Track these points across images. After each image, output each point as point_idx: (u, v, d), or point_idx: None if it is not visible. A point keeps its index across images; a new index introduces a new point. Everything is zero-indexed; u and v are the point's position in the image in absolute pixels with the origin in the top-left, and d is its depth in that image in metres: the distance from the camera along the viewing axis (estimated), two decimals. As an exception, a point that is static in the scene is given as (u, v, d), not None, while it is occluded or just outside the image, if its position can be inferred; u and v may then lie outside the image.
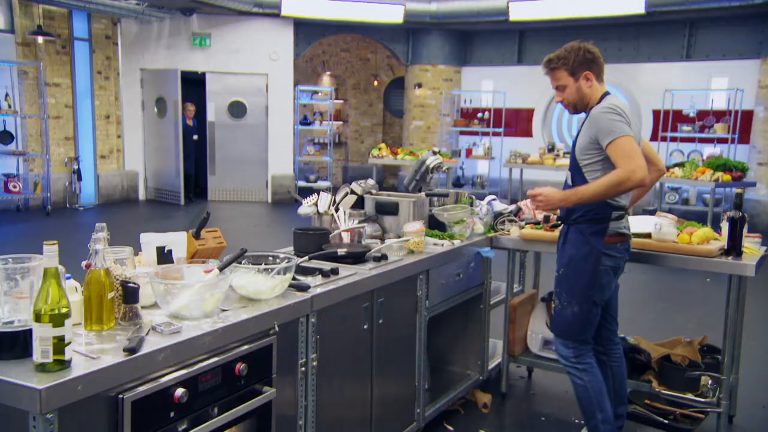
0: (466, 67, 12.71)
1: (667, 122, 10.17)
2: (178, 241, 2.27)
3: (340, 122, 14.63)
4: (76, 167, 10.36)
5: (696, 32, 10.40)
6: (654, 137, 10.64)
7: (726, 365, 3.09)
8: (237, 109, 11.66)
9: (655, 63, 10.77)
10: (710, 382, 3.14)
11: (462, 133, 12.88)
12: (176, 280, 2.02)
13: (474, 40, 12.56)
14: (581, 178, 2.81)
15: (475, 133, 12.58)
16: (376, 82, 14.95)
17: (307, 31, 11.90)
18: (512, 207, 3.90)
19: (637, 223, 3.33)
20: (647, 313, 5.43)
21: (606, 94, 2.88)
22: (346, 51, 14.75)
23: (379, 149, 10.97)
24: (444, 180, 10.99)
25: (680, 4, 9.52)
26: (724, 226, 3.15)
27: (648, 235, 3.25)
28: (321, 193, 3.33)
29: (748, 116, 9.81)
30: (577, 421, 3.47)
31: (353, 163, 15.03)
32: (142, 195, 11.67)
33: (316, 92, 13.01)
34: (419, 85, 12.68)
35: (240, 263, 2.21)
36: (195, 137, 10.92)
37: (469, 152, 12.44)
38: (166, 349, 1.74)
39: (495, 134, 12.19)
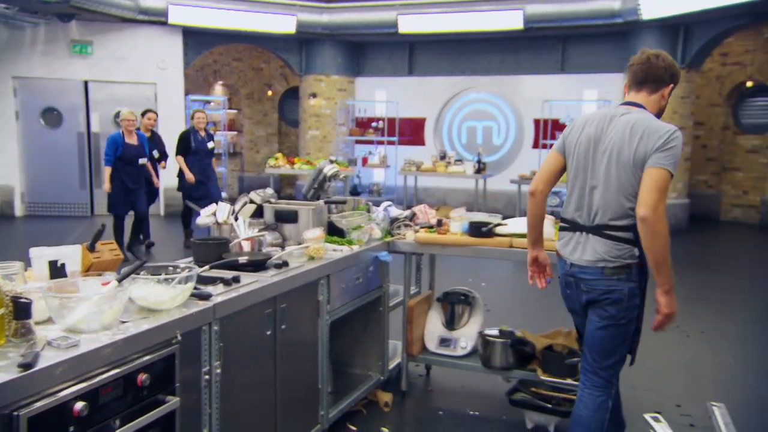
0: (359, 78, 12.96)
1: (546, 131, 10.91)
2: (71, 254, 2.22)
3: (235, 132, 14.39)
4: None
5: (569, 47, 11.27)
6: (535, 145, 11.39)
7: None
8: (124, 119, 11.17)
9: (534, 75, 11.54)
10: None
11: (358, 142, 13.10)
12: (72, 294, 1.98)
13: (367, 51, 12.84)
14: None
15: (371, 142, 12.83)
16: (270, 92, 14.86)
17: (196, 40, 11.65)
18: (407, 212, 4.08)
19: (517, 224, 3.61)
20: (535, 307, 5.82)
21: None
22: (239, 60, 14.55)
23: (276, 159, 10.93)
24: (341, 188, 11.13)
25: (554, 21, 10.28)
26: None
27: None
28: (220, 202, 3.34)
29: (616, 125, 10.72)
30: (471, 412, 3.68)
31: (249, 173, 14.83)
32: (18, 211, 10.88)
33: (208, 102, 12.73)
34: (314, 95, 12.77)
35: (139, 275, 2.19)
36: (210, 145, 8.30)
37: (365, 161, 12.67)
38: (63, 363, 1.72)
39: (390, 143, 12.50)
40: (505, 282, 7.09)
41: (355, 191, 12.22)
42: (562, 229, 2.74)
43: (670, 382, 4.15)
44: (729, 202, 11.43)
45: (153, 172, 7.89)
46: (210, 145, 8.29)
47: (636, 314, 2.57)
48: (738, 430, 2.66)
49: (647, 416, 1.12)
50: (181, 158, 8.03)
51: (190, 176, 7.93)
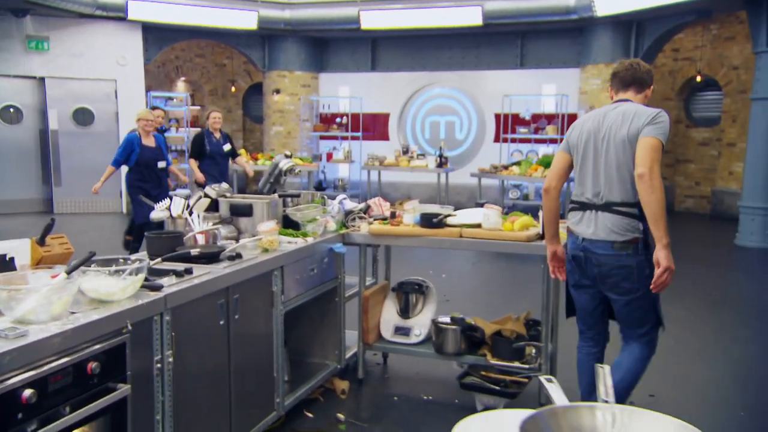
0: (323, 74, 12.99)
1: (507, 125, 11.13)
2: (20, 248, 2.26)
3: (198, 129, 14.27)
4: None
5: (527, 43, 11.50)
6: (496, 139, 11.60)
7: (545, 335, 3.58)
8: (83, 116, 11.04)
9: (494, 70, 11.75)
10: (534, 351, 3.62)
11: (322, 137, 13.15)
12: (21, 286, 2.03)
13: (329, 47, 12.88)
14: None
15: (335, 138, 12.89)
16: (233, 88, 14.79)
17: (157, 35, 11.54)
18: (362, 205, 4.18)
19: (468, 215, 3.74)
20: (490, 296, 5.99)
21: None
22: (201, 56, 14.44)
23: (239, 155, 10.90)
24: (306, 184, 11.18)
25: (512, 17, 10.49)
26: (540, 214, 3.64)
27: (479, 225, 3.66)
28: (174, 197, 3.39)
29: (573, 119, 10.98)
30: (425, 397, 3.81)
31: (213, 170, 14.73)
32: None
33: (170, 98, 12.63)
34: (277, 91, 12.76)
35: (90, 267, 2.25)
36: (227, 147, 7.54)
37: (329, 156, 12.73)
38: (12, 352, 1.77)
39: (354, 138, 12.58)
40: (465, 274, 7.25)
41: (320, 186, 12.28)
42: (572, 209, 3.03)
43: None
44: (682, 193, 11.83)
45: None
46: (226, 147, 7.53)
47: (648, 284, 2.81)
48: (670, 411, 2.83)
49: (541, 378, 1.24)
50: (193, 161, 7.30)
51: (200, 176, 7.17)
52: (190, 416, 2.58)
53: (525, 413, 1.04)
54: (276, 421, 3.30)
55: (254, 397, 3.08)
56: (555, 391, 1.18)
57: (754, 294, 6.52)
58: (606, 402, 1.07)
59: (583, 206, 2.96)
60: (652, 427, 0.99)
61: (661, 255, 2.71)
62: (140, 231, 6.19)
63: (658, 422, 0.99)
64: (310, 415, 3.54)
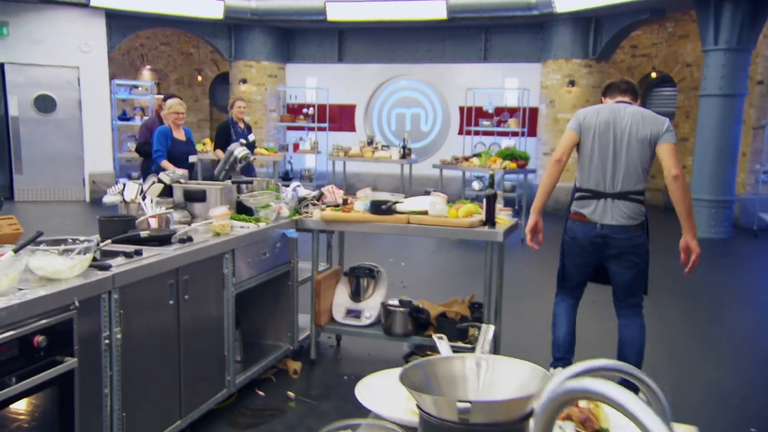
0: (290, 64, 13.03)
1: (470, 117, 11.34)
2: (-30, 228, 2.35)
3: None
4: None
5: (491, 37, 11.71)
6: (461, 131, 11.81)
7: (487, 316, 3.77)
8: (45, 104, 10.90)
9: (459, 64, 11.93)
10: (477, 331, 3.80)
11: (289, 128, 13.20)
12: (-31, 263, 2.12)
13: (296, 37, 12.92)
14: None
15: (302, 128, 12.95)
16: (200, 77, 14.72)
17: (121, 23, 11.44)
18: (315, 192, 4.32)
19: (416, 202, 3.91)
20: (445, 282, 6.18)
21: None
22: (167, 45, 14.34)
23: (204, 144, 10.91)
24: (271, 174, 11.23)
25: (475, 11, 10.68)
26: (484, 202, 3.82)
27: (426, 212, 3.83)
28: (127, 182, 3.48)
29: (534, 112, 11.28)
30: (375, 376, 3.98)
31: (179, 159, 14.67)
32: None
33: (135, 87, 12.54)
34: (244, 81, 12.77)
35: (39, 247, 2.34)
36: (252, 137, 7.25)
37: (296, 147, 12.78)
38: (-41, 324, 1.88)
39: (320, 129, 12.67)
40: (424, 262, 7.44)
41: (286, 177, 12.34)
42: (581, 198, 3.44)
43: (544, 339, 4.56)
44: (639, 185, 12.19)
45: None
46: (251, 137, 7.22)
47: (647, 259, 3.46)
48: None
49: (434, 336, 1.42)
50: (221, 152, 6.81)
51: None
52: (139, 391, 2.70)
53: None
54: (227, 399, 3.43)
55: (205, 374, 3.21)
56: (443, 347, 1.35)
57: (696, 281, 6.84)
58: (482, 355, 1.24)
59: (596, 195, 3.38)
60: (511, 369, 1.16)
61: (693, 244, 3.32)
62: None
63: (515, 365, 1.16)
64: (262, 393, 3.68)
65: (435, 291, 5.89)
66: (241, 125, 7.04)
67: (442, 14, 10.72)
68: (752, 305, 6.07)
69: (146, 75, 14.39)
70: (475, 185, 11.18)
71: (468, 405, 1.02)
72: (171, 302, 2.90)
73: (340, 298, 4.25)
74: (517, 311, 5.04)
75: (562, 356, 3.58)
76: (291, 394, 3.67)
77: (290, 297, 4.07)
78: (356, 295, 4.21)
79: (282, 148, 12.39)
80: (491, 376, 1.18)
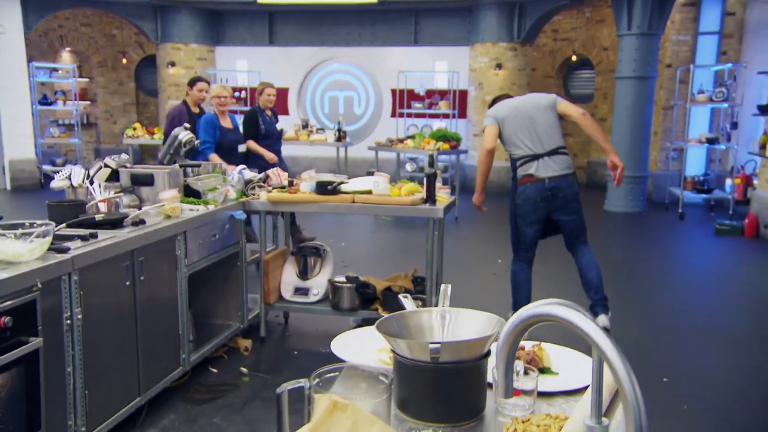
0: (219, 47, 12.82)
1: (402, 100, 11.57)
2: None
3: (88, 102, 13.67)
4: None
5: (421, 21, 11.94)
6: (393, 113, 12.02)
7: (429, 289, 4.01)
8: (-44, 88, 10.30)
9: (390, 47, 12.11)
10: (420, 303, 4.04)
11: (220, 112, 13.00)
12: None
13: (226, 20, 12.71)
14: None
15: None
16: (125, 60, 14.24)
17: (37, 3, 10.90)
18: (261, 175, 4.41)
19: (359, 183, 4.08)
20: (384, 259, 6.41)
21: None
22: (87, 26, 13.77)
23: (134, 129, 10.65)
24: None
25: (405, -4, 10.87)
26: (425, 181, 4.04)
27: (370, 192, 4.02)
28: (74, 167, 3.47)
29: (464, 95, 11.64)
30: (323, 350, 4.15)
31: (106, 144, 14.20)
32: None
33: (55, 70, 12.02)
34: (172, 64, 12.47)
35: (-5, 231, 2.37)
36: (279, 127, 6.68)
37: (228, 131, 12.64)
38: (-71, 306, 1.91)
39: (253, 113, 12.55)
40: (363, 241, 7.64)
41: (219, 161, 12.20)
42: (523, 163, 4.14)
43: (486, 304, 4.89)
44: (563, 164, 12.84)
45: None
46: (279, 126, 6.64)
47: (581, 202, 4.24)
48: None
49: (400, 295, 1.61)
50: (252, 142, 6.10)
51: (271, 156, 6.01)
52: (101, 369, 2.77)
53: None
54: (182, 376, 3.53)
55: (161, 353, 3.29)
56: (408, 303, 1.54)
57: (615, 250, 7.39)
58: (445, 308, 1.44)
59: (534, 156, 4.10)
60: (471, 319, 1.37)
61: (616, 159, 4.09)
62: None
63: (474, 315, 1.37)
64: (215, 370, 3.79)
65: (375, 269, 6.10)
66: (269, 113, 6.45)
67: (373, -2, 10.84)
68: (667, 272, 6.62)
69: (66, 57, 13.79)
70: (408, 167, 11.45)
71: (438, 345, 1.22)
72: (127, 283, 2.97)
73: (288, 276, 4.39)
74: (456, 282, 5.32)
75: None
76: (244, 369, 3.80)
77: (239, 277, 4.17)
78: (304, 273, 4.36)
79: (214, 133, 12.20)
80: (454, 325, 1.39)
